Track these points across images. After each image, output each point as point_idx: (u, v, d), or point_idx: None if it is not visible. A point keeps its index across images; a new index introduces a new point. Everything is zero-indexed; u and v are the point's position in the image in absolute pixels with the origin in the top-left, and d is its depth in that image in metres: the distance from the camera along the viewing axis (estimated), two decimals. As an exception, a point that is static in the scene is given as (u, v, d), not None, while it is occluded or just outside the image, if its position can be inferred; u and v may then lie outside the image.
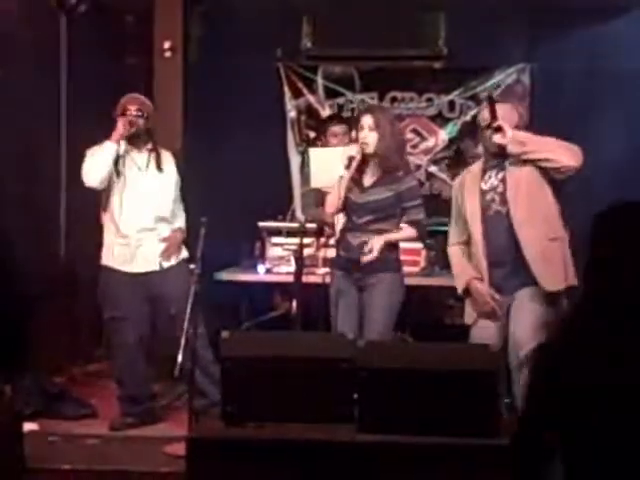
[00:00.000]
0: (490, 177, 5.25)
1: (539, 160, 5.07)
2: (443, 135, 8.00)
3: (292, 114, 8.07)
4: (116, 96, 5.90)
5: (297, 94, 8.06)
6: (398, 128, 5.95)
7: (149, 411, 6.03)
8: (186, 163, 6.29)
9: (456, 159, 7.95)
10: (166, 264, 5.92)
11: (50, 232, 6.88)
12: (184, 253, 6.02)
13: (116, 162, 5.84)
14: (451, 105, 7.97)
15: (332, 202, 5.62)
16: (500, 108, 5.17)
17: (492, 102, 5.16)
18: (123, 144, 5.85)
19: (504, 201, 5.14)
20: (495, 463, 3.95)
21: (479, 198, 5.23)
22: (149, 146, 5.96)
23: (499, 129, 5.08)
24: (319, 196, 6.27)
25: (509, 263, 5.17)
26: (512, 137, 5.06)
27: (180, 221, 6.08)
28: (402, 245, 5.78)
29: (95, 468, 5.11)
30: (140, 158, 5.95)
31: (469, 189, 5.30)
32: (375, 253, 5.49)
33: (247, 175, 7.61)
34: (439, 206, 7.86)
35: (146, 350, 5.98)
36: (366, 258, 5.50)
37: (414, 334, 6.64)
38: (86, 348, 7.24)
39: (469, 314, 5.29)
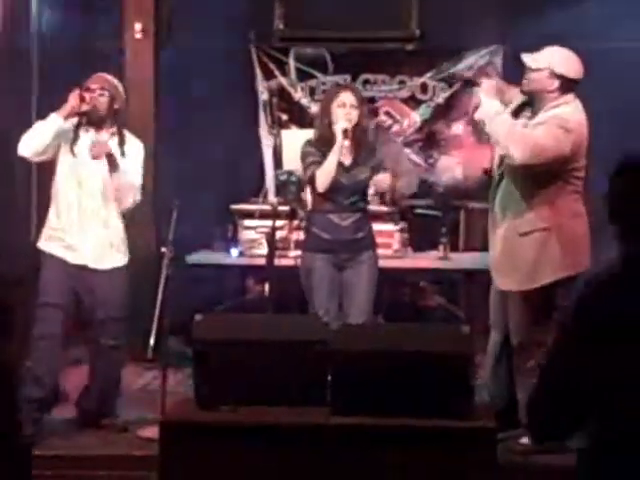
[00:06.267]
0: None
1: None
2: (416, 117, 7.99)
3: (264, 96, 8.03)
4: (87, 79, 5.82)
5: (269, 76, 8.03)
6: None
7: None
8: (158, 146, 6.24)
9: (429, 141, 7.95)
10: (106, 265, 5.46)
11: (22, 216, 6.85)
12: (124, 259, 5.56)
13: (73, 141, 5.42)
14: (423, 87, 7.96)
15: (327, 179, 5.46)
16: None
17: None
18: (71, 122, 5.39)
19: None
20: (468, 445, 3.99)
21: None
22: (113, 130, 5.49)
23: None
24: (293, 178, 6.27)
25: None
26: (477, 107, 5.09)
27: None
28: (375, 227, 5.80)
29: (67, 453, 5.08)
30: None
31: None
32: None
33: (219, 157, 7.59)
34: (413, 188, 7.88)
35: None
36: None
37: (387, 316, 6.65)
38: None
39: None
